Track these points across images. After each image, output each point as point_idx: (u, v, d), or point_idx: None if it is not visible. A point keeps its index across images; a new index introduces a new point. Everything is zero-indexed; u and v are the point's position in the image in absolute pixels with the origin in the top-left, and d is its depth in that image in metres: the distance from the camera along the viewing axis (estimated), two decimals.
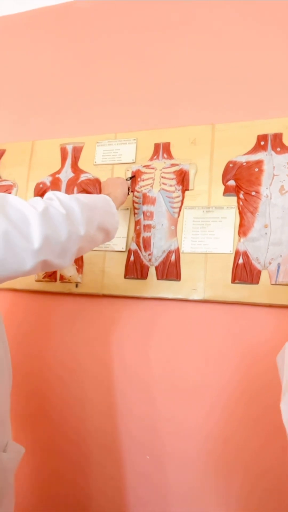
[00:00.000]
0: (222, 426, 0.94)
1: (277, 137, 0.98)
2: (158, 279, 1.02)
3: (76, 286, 1.09)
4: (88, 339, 1.09)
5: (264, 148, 0.99)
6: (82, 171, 1.15)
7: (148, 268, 1.04)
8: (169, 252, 1.02)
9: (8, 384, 0.75)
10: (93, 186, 1.13)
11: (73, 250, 0.71)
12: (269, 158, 0.97)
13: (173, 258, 1.02)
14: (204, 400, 0.96)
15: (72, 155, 1.18)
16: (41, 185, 1.19)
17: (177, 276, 1.00)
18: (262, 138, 0.99)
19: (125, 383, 1.04)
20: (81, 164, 1.16)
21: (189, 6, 1.15)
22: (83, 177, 1.15)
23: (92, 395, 1.06)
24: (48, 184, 1.18)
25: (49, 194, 0.72)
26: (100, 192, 1.12)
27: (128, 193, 1.02)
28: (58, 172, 1.18)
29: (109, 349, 1.07)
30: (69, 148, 1.18)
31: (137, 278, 1.04)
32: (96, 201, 0.81)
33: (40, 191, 1.18)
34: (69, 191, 1.15)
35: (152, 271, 1.03)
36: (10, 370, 0.76)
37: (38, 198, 0.69)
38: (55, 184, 1.17)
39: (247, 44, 1.07)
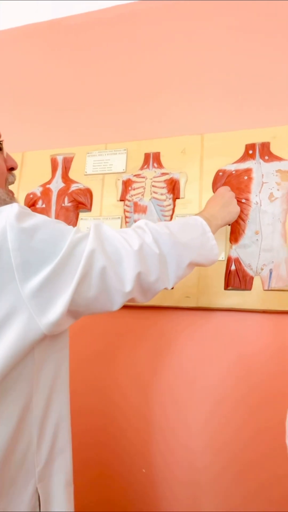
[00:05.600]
0: (220, 432, 0.93)
1: (265, 146, 1.00)
2: None
3: None
4: (80, 349, 1.07)
5: (252, 156, 1.01)
6: (73, 181, 1.16)
7: None
8: None
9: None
10: (84, 196, 1.13)
11: (157, 291, 0.68)
12: (258, 167, 0.99)
13: None
14: (201, 407, 0.95)
15: (63, 166, 1.18)
16: (31, 196, 1.18)
17: None
18: (250, 147, 1.02)
19: (120, 386, 1.02)
20: (71, 174, 1.17)
21: (177, 18, 1.19)
22: (74, 187, 1.15)
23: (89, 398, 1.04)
24: (39, 194, 1.18)
25: (141, 223, 0.68)
26: (91, 201, 1.12)
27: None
28: (49, 182, 1.18)
29: (100, 358, 1.05)
30: (60, 159, 1.19)
31: None
32: (192, 235, 0.74)
33: (31, 202, 1.18)
34: (60, 201, 1.15)
35: None
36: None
37: (131, 231, 0.65)
38: (46, 195, 1.17)
39: (235, 56, 1.11)
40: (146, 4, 1.22)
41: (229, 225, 0.97)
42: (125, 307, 1.03)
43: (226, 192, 0.92)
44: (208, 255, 0.77)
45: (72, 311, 0.58)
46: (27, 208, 0.59)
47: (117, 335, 1.06)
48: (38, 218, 0.57)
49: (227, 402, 0.94)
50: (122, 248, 0.61)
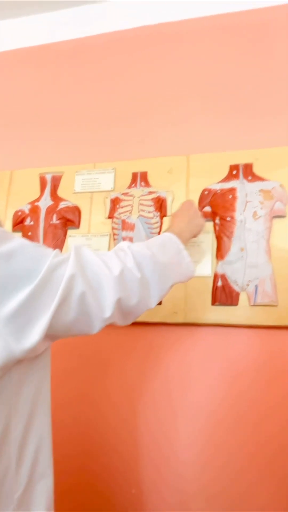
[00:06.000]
0: (210, 446, 0.93)
1: (248, 167, 1.05)
2: None
3: None
4: (70, 365, 1.06)
5: (236, 177, 1.05)
6: (62, 199, 1.17)
7: None
8: None
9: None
10: (72, 214, 1.14)
11: (138, 315, 0.68)
12: (242, 186, 1.03)
13: None
14: (189, 420, 0.95)
15: (52, 184, 1.20)
16: (19, 213, 1.19)
17: None
18: (234, 167, 1.06)
19: (108, 407, 1.01)
20: (60, 192, 1.18)
21: (165, 42, 1.25)
22: (62, 204, 1.16)
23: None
24: (27, 212, 1.18)
25: (123, 245, 0.68)
26: (79, 219, 1.13)
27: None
28: (37, 200, 1.19)
29: (90, 374, 1.04)
30: (48, 177, 1.20)
31: None
32: (170, 255, 0.74)
33: (19, 219, 1.18)
34: (48, 218, 1.15)
35: None
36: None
37: (113, 254, 0.65)
38: (34, 212, 1.17)
39: (220, 81, 1.17)
40: (134, 31, 1.28)
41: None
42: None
43: (191, 206, 0.91)
44: (185, 273, 0.78)
45: (50, 335, 0.56)
46: (5, 231, 0.58)
47: (105, 350, 1.05)
48: (15, 241, 0.55)
49: (215, 415, 0.94)
50: (102, 274, 0.60)
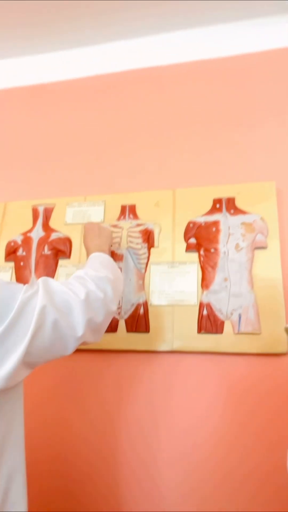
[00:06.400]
0: (193, 468, 0.94)
1: (230, 201, 1.11)
2: (127, 331, 1.06)
3: None
4: (58, 394, 1.07)
5: (219, 210, 1.11)
6: (53, 230, 1.22)
7: (117, 321, 1.07)
8: (138, 305, 1.07)
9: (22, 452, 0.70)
10: (63, 244, 1.19)
11: (106, 327, 0.76)
12: (225, 219, 1.09)
13: (141, 311, 1.07)
14: (175, 447, 0.97)
15: (44, 215, 1.24)
16: (12, 244, 1.23)
17: (146, 328, 1.05)
18: (217, 201, 1.12)
19: (99, 433, 1.02)
20: (52, 224, 1.23)
21: (153, 83, 1.33)
22: (54, 236, 1.21)
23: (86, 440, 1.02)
24: (20, 242, 1.22)
25: (80, 273, 0.76)
26: (70, 249, 1.18)
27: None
28: (30, 231, 1.23)
29: (80, 402, 1.06)
30: (41, 209, 1.25)
31: (108, 332, 1.07)
32: (113, 271, 0.83)
33: (12, 249, 1.22)
34: (40, 249, 1.19)
35: (122, 324, 1.07)
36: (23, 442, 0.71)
37: (75, 281, 0.73)
38: (27, 243, 1.21)
39: (203, 120, 1.25)
40: (125, 74, 1.37)
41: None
42: (104, 351, 1.06)
43: (93, 226, 0.99)
44: (122, 281, 0.89)
45: (28, 363, 0.62)
46: None
47: (94, 377, 1.07)
48: None
49: (199, 438, 0.96)
50: (70, 299, 0.67)
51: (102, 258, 0.88)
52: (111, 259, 0.89)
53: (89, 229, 0.99)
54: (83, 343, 0.71)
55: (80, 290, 0.69)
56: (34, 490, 0.66)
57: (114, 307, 0.77)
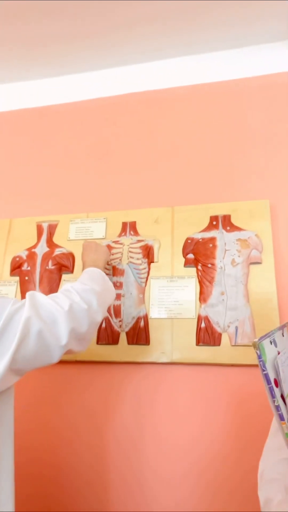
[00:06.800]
0: (203, 484, 0.97)
1: (226, 218, 1.16)
2: (128, 344, 1.10)
3: None
4: (61, 404, 1.11)
5: (216, 227, 1.16)
6: (57, 246, 1.27)
7: (119, 334, 1.12)
8: (138, 318, 1.12)
9: (11, 464, 0.73)
10: (66, 260, 1.24)
11: (91, 337, 0.80)
12: (221, 236, 1.15)
13: (142, 324, 1.11)
14: (180, 455, 1.00)
15: (48, 231, 1.30)
16: (17, 259, 1.28)
17: (146, 341, 1.09)
18: (214, 218, 1.17)
19: (110, 442, 1.05)
20: (55, 240, 1.28)
21: (152, 106, 1.40)
22: (57, 251, 1.26)
23: (81, 455, 1.05)
24: (24, 257, 1.27)
25: (67, 287, 0.81)
26: (73, 264, 1.22)
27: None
28: (34, 246, 1.28)
29: (82, 412, 1.09)
30: (45, 226, 1.31)
31: (109, 344, 1.11)
32: (101, 283, 0.88)
33: (17, 264, 1.26)
34: (44, 264, 1.24)
35: (123, 337, 1.11)
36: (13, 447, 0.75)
37: (61, 294, 0.78)
38: (31, 258, 1.26)
39: (200, 141, 1.31)
40: (126, 97, 1.44)
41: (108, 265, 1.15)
42: (106, 363, 1.10)
43: (90, 243, 1.06)
44: (112, 293, 0.93)
45: (15, 370, 0.67)
46: None
47: (97, 388, 1.11)
48: None
49: (198, 449, 0.99)
50: (55, 311, 0.71)
51: (92, 272, 0.93)
52: (102, 273, 0.93)
53: (86, 246, 1.05)
54: (69, 352, 0.76)
55: (65, 302, 0.74)
56: (20, 494, 0.69)
57: (99, 318, 0.81)
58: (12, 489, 0.70)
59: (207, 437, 1.00)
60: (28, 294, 0.73)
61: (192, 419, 1.02)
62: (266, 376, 0.56)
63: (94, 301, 0.80)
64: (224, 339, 1.05)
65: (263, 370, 0.56)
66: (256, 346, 0.57)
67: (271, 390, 0.56)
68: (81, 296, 0.78)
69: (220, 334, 1.05)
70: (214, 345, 1.05)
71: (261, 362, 0.56)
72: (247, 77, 1.36)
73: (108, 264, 1.19)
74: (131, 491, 1.01)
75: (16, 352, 0.65)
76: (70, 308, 0.74)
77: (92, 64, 1.47)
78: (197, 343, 1.06)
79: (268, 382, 0.56)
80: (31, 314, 0.68)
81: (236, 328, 1.05)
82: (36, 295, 0.73)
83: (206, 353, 1.05)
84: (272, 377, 0.57)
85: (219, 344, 1.05)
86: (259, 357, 0.56)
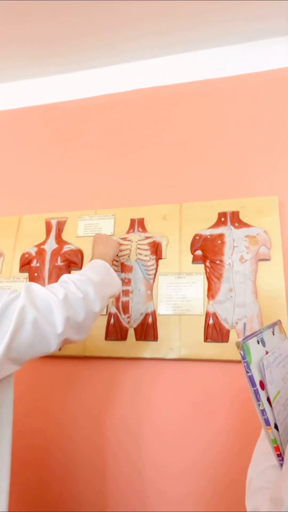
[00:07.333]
0: (206, 480, 0.98)
1: (235, 215, 1.16)
2: (137, 340, 1.10)
3: (59, 349, 1.15)
4: (69, 400, 1.12)
5: (224, 223, 1.16)
6: (66, 242, 1.28)
7: (127, 329, 1.12)
8: (146, 315, 1.12)
9: (8, 454, 0.75)
10: (75, 256, 1.24)
11: (89, 326, 0.81)
12: (229, 232, 1.14)
13: (150, 320, 1.12)
14: (186, 451, 1.00)
15: (56, 228, 1.30)
16: (26, 255, 1.29)
17: (154, 337, 1.09)
18: (222, 215, 1.17)
19: (114, 440, 1.06)
20: (64, 236, 1.29)
21: (160, 102, 1.40)
22: (66, 248, 1.26)
23: (83, 452, 1.07)
24: (34, 254, 1.28)
25: (64, 277, 0.82)
26: (82, 260, 1.23)
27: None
28: (43, 243, 1.29)
29: (91, 408, 1.10)
30: (53, 222, 1.31)
31: (117, 340, 1.12)
32: (102, 275, 0.90)
33: (26, 261, 1.28)
34: (53, 260, 1.25)
35: (131, 333, 1.12)
36: (11, 437, 0.76)
37: (57, 285, 0.79)
38: (40, 254, 1.27)
39: (208, 137, 1.31)
40: (132, 93, 1.44)
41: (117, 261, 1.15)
42: (114, 358, 1.11)
43: (102, 236, 1.08)
44: (115, 286, 0.94)
45: (12, 358, 0.68)
46: None
47: (106, 383, 1.12)
48: None
49: (210, 445, 1.00)
50: (50, 299, 0.72)
51: (95, 263, 0.94)
52: (106, 265, 0.95)
53: (97, 238, 1.07)
54: (67, 341, 0.77)
55: (60, 291, 0.75)
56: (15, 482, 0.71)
57: (97, 308, 0.82)
58: (8, 471, 0.71)
59: (214, 433, 1.00)
60: (24, 285, 0.74)
61: (200, 414, 1.03)
62: (251, 378, 0.53)
63: (91, 290, 0.81)
64: (232, 335, 1.05)
65: (247, 372, 0.53)
66: (240, 346, 0.53)
67: (256, 393, 0.53)
68: (77, 286, 0.79)
69: (228, 331, 1.06)
70: (222, 341, 1.05)
71: (245, 363, 0.53)
72: (256, 71, 1.35)
73: (116, 260, 1.20)
74: (131, 482, 1.02)
75: (11, 341, 0.65)
76: (65, 297, 0.74)
77: (99, 61, 1.47)
78: (205, 340, 1.06)
79: (253, 384, 0.53)
80: (26, 303, 0.69)
81: (245, 324, 1.05)
82: (32, 285, 0.75)
83: (214, 350, 1.05)
84: (257, 379, 0.54)
85: (227, 341, 1.05)
86: (243, 357, 0.53)
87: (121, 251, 1.21)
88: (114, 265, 1.20)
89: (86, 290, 0.80)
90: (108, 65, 1.49)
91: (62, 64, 1.50)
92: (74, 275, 0.84)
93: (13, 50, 1.43)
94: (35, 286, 0.75)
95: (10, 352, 0.66)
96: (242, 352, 0.54)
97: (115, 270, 1.19)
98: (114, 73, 1.49)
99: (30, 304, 0.69)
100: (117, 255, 1.15)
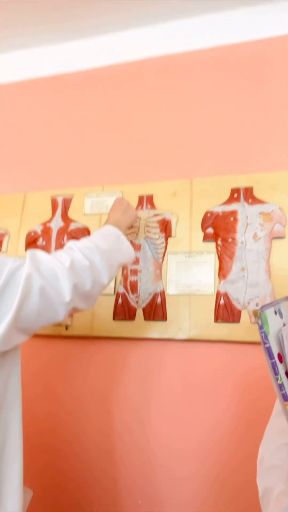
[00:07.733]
0: (213, 460, 0.97)
1: (248, 191, 1.11)
2: (145, 320, 1.08)
3: (66, 328, 1.13)
4: (76, 380, 1.11)
5: (237, 200, 1.11)
6: (72, 220, 1.24)
7: (135, 309, 1.10)
8: (155, 294, 1.09)
9: (20, 430, 0.73)
10: (82, 234, 1.21)
11: (98, 294, 0.78)
12: (242, 209, 1.09)
13: (159, 300, 1.08)
14: (194, 433, 0.99)
15: (63, 206, 1.27)
16: (32, 234, 1.26)
17: (163, 317, 1.06)
18: (235, 191, 1.12)
19: (121, 421, 1.05)
20: (71, 214, 1.25)
21: (168, 71, 1.32)
22: (72, 226, 1.23)
23: (91, 434, 1.07)
24: (39, 232, 1.25)
25: (70, 244, 0.79)
26: None
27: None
28: (49, 221, 1.26)
29: (98, 388, 1.09)
30: (60, 200, 1.27)
31: (125, 320, 1.09)
32: (111, 242, 0.86)
33: (32, 239, 1.25)
34: (59, 238, 1.22)
35: (139, 313, 1.09)
36: (21, 411, 0.75)
37: (62, 252, 0.76)
38: (46, 233, 1.24)
39: (219, 108, 1.23)
40: (139, 63, 1.36)
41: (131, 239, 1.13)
42: (122, 338, 1.09)
43: (122, 201, 1.03)
44: (126, 255, 0.90)
45: (21, 328, 0.66)
46: None
47: (114, 363, 1.10)
48: None
49: (220, 427, 0.98)
50: (56, 267, 0.70)
51: (106, 230, 0.90)
52: (118, 232, 0.91)
53: (117, 203, 1.02)
54: (75, 309, 0.74)
55: (65, 259, 0.72)
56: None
57: (104, 276, 0.78)
58: (21, 442, 0.70)
59: (221, 414, 0.99)
60: (28, 252, 0.71)
61: (208, 396, 1.01)
62: (268, 350, 0.50)
63: (97, 259, 0.78)
64: (244, 316, 1.01)
65: (265, 343, 0.50)
66: (258, 314, 0.50)
67: (273, 366, 0.50)
68: (83, 253, 0.76)
69: (239, 311, 1.02)
70: (233, 322, 1.02)
71: (262, 334, 0.50)
72: (269, 37, 1.25)
73: (130, 227, 1.15)
74: (138, 465, 1.01)
75: (19, 310, 0.63)
76: (71, 265, 0.72)
77: (104, 28, 1.39)
78: (216, 320, 1.03)
79: (271, 356, 0.50)
80: (32, 271, 0.66)
81: (257, 305, 1.01)
82: (36, 252, 0.72)
83: (224, 330, 1.02)
84: (275, 351, 0.51)
85: (238, 321, 1.02)
86: (261, 327, 0.50)
87: (129, 228, 1.17)
88: (128, 233, 1.16)
89: (92, 258, 0.77)
90: (114, 31, 1.40)
91: (67, 30, 1.42)
92: (82, 241, 0.80)
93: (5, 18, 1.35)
94: (39, 253, 0.72)
95: (19, 321, 0.64)
96: (260, 321, 0.50)
97: (130, 238, 1.15)
98: (123, 42, 1.40)
99: (36, 272, 0.67)
100: (131, 226, 1.10)
